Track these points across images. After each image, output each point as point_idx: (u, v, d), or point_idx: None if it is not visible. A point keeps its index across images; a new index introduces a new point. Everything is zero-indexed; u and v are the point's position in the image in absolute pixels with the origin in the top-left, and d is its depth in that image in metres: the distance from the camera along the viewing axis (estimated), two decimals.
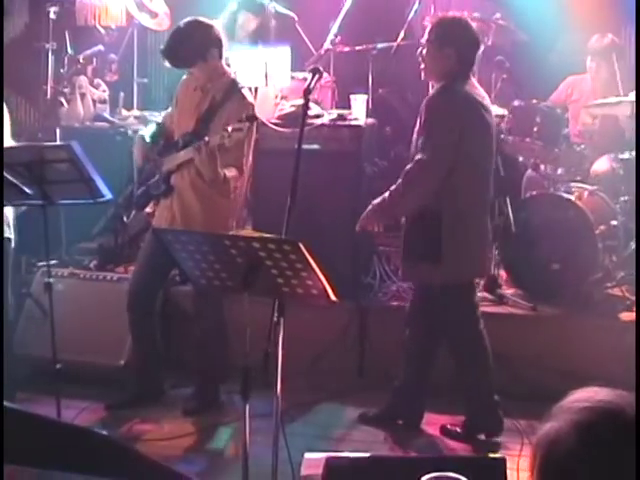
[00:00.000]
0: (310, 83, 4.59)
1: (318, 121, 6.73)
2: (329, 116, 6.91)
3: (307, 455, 3.63)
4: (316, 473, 3.02)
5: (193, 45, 5.82)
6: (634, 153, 6.69)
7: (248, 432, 3.88)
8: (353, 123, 6.86)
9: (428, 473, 2.52)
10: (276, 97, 7.43)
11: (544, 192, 6.97)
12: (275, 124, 6.76)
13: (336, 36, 7.63)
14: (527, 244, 6.67)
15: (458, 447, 5.63)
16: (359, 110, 6.94)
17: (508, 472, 2.94)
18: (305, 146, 4.61)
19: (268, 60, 7.16)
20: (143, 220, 6.66)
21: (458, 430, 5.72)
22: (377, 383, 6.16)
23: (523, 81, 7.50)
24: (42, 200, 5.07)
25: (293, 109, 6.92)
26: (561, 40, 8.27)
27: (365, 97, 7.08)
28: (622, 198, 6.73)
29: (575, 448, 1.73)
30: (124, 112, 8.58)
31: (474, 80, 5.55)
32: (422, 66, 5.54)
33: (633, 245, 6.59)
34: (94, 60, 8.57)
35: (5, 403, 2.29)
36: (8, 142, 5.64)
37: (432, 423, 5.82)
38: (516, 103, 7.05)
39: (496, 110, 7.20)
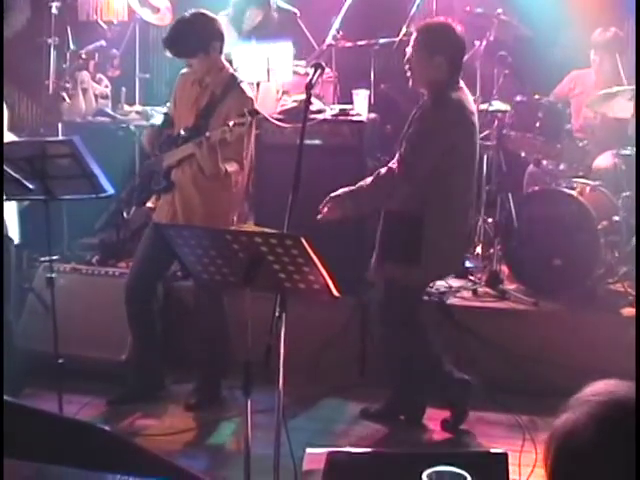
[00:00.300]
0: (312, 78, 4.58)
1: (320, 116, 6.73)
2: (331, 111, 6.90)
3: (309, 450, 3.63)
4: (318, 468, 3.01)
5: (197, 36, 5.80)
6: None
7: (250, 427, 3.89)
8: (355, 118, 6.85)
9: (430, 468, 2.52)
10: (278, 92, 7.43)
11: (546, 187, 6.97)
12: (277, 119, 6.75)
13: (338, 31, 7.62)
14: (529, 239, 6.67)
15: (460, 440, 5.64)
16: (361, 105, 6.93)
17: (510, 467, 2.94)
18: (307, 141, 4.61)
19: (270, 55, 7.16)
20: (145, 215, 6.67)
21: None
22: (379, 378, 6.15)
23: (525, 76, 7.49)
24: (44, 195, 5.07)
25: (295, 104, 6.92)
26: (564, 35, 8.26)
27: (367, 92, 7.07)
28: (624, 194, 6.72)
29: (592, 440, 1.73)
30: (126, 107, 8.58)
31: (463, 86, 5.54)
32: (409, 73, 5.49)
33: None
34: (96, 55, 8.57)
35: (7, 398, 2.30)
36: (7, 136, 5.64)
37: (434, 418, 5.81)
38: (518, 98, 7.05)
39: (498, 105, 7.23)
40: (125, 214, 7.40)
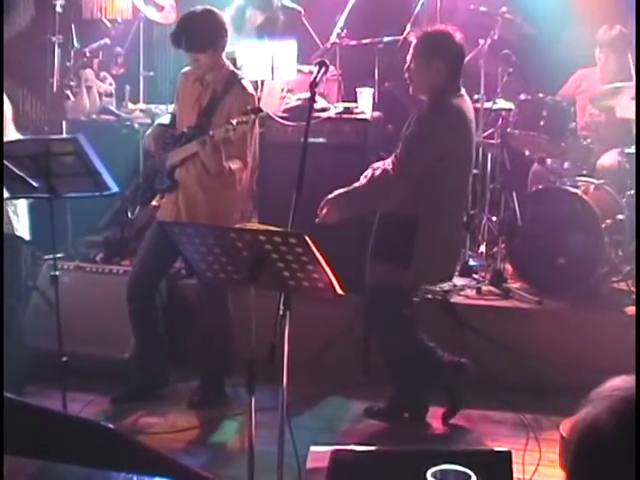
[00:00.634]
0: (316, 76, 4.58)
1: (324, 114, 6.73)
2: (335, 109, 6.90)
3: (313, 448, 3.63)
4: (322, 466, 3.02)
5: (208, 31, 5.79)
6: None
7: (253, 425, 3.89)
8: (359, 116, 6.86)
9: (434, 467, 2.52)
10: (282, 90, 7.43)
11: (550, 186, 6.96)
12: (281, 117, 6.75)
13: (342, 29, 7.61)
14: (533, 238, 6.67)
15: (463, 438, 5.64)
16: (365, 103, 6.93)
17: (514, 466, 2.94)
18: (311, 139, 4.62)
19: (274, 53, 7.16)
20: (149, 213, 6.66)
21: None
22: (382, 376, 6.15)
23: (530, 75, 7.48)
24: (48, 193, 5.08)
25: (299, 102, 6.92)
26: (568, 33, 8.24)
27: (371, 90, 7.07)
28: (628, 192, 6.72)
29: (612, 435, 1.72)
30: (130, 105, 8.59)
31: (464, 94, 5.56)
32: (408, 82, 5.57)
33: None
34: (100, 53, 8.58)
35: (11, 396, 2.30)
36: (11, 132, 5.65)
37: (437, 417, 5.82)
38: (522, 97, 7.05)
39: (502, 104, 7.23)
40: (130, 214, 7.40)
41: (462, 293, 6.72)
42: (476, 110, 6.44)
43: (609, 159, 7.10)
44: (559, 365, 6.00)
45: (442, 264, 5.63)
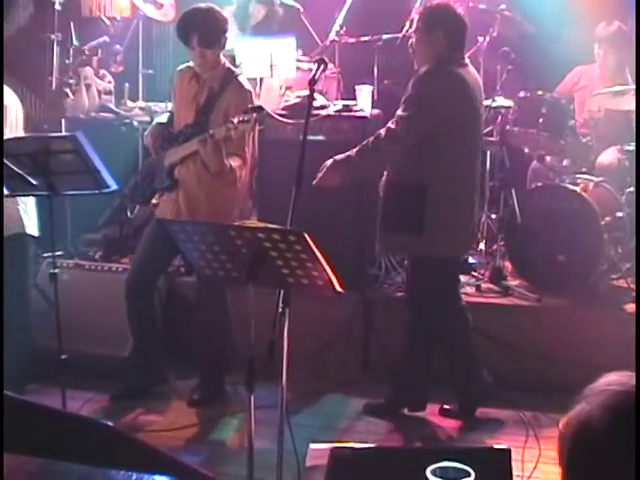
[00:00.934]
0: (315, 74, 4.58)
1: (323, 112, 6.72)
2: (334, 107, 6.90)
3: (312, 446, 3.64)
4: (321, 464, 3.02)
5: (219, 27, 5.81)
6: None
7: (253, 423, 3.89)
8: (358, 114, 6.85)
9: (433, 464, 2.52)
10: (281, 88, 7.43)
11: (549, 183, 6.96)
12: (280, 115, 6.75)
13: (341, 27, 7.60)
14: (532, 235, 6.66)
15: (463, 436, 5.64)
16: (364, 101, 6.93)
17: (513, 463, 2.94)
18: (310, 137, 4.61)
19: (273, 51, 7.15)
20: (148, 211, 6.67)
21: (455, 409, 5.82)
22: (382, 374, 6.15)
23: (529, 72, 7.48)
24: (47, 191, 5.08)
25: (298, 100, 6.92)
26: (567, 31, 8.24)
27: (370, 88, 7.07)
28: (628, 190, 6.72)
29: (606, 430, 1.73)
30: (129, 103, 8.59)
31: (469, 65, 5.57)
32: (412, 56, 5.63)
33: None
34: (99, 51, 8.56)
35: (10, 394, 2.30)
36: (20, 133, 5.66)
37: (436, 414, 5.82)
38: (521, 94, 7.04)
39: (501, 101, 7.22)
40: (129, 212, 7.40)
41: (461, 290, 6.71)
42: None
43: (609, 157, 7.10)
44: (558, 362, 6.01)
45: (456, 232, 5.58)
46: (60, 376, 5.10)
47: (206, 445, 5.60)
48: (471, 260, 7.12)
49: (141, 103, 8.56)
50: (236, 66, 6.77)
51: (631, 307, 6.34)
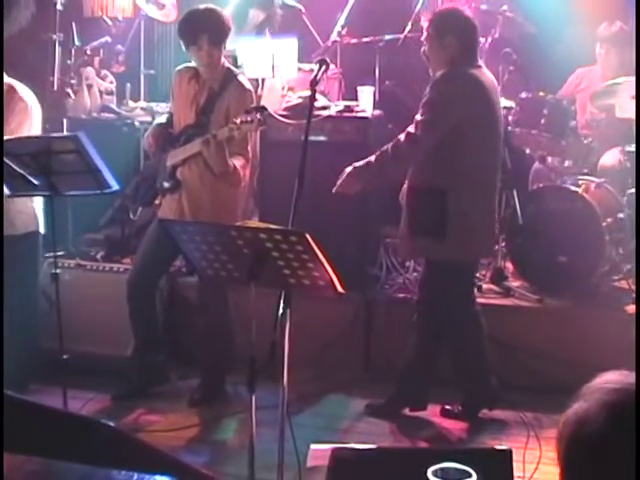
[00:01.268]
0: (317, 74, 4.58)
1: (325, 113, 6.72)
2: (336, 108, 6.90)
3: (313, 446, 3.63)
4: (322, 464, 3.02)
5: (226, 27, 5.84)
6: None
7: (254, 423, 3.89)
8: (360, 115, 6.86)
9: (434, 465, 2.52)
10: (283, 88, 7.43)
11: (551, 184, 6.97)
12: (282, 116, 6.75)
13: (343, 28, 7.62)
14: (534, 236, 6.66)
15: (464, 436, 5.64)
16: (366, 102, 6.93)
17: (514, 464, 2.94)
18: (312, 137, 4.61)
19: (275, 51, 7.15)
20: (150, 212, 6.66)
21: (457, 410, 5.79)
22: (383, 374, 6.16)
23: (530, 73, 7.48)
24: (49, 191, 5.08)
25: (300, 101, 6.92)
26: (568, 32, 8.24)
27: (372, 89, 7.07)
28: (629, 191, 6.71)
29: (603, 428, 1.73)
30: (131, 103, 8.60)
31: (482, 66, 5.59)
32: (427, 63, 5.65)
33: None
34: (101, 51, 8.57)
35: (11, 394, 2.30)
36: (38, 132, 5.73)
37: (438, 415, 5.82)
38: (523, 95, 7.04)
39: (503, 102, 7.19)
40: (131, 214, 7.40)
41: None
42: None
43: (610, 158, 7.09)
44: (559, 363, 6.00)
45: (480, 236, 5.60)
46: (61, 376, 5.10)
47: (207, 445, 5.60)
48: None
49: (143, 103, 8.56)
50: (238, 67, 6.77)
51: (632, 308, 6.33)
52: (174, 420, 5.83)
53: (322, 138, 6.60)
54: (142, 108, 8.42)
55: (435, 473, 2.50)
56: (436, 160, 5.41)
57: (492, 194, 5.65)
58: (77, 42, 8.28)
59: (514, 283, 6.83)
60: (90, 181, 5.10)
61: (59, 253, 5.89)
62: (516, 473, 3.03)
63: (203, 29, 5.73)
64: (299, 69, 7.40)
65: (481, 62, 5.63)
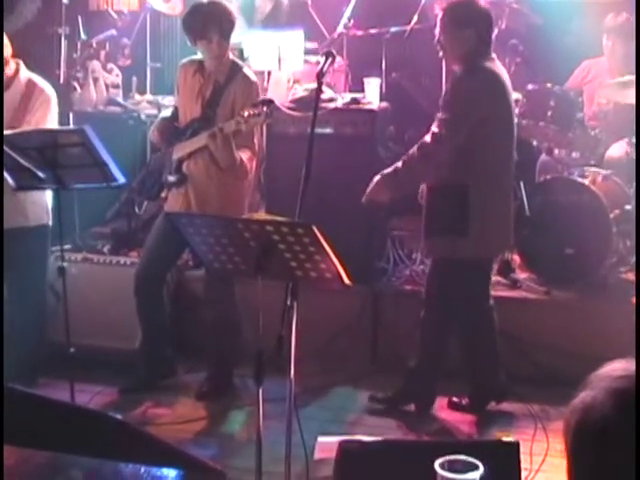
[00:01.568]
0: (323, 67, 4.56)
1: (331, 105, 6.72)
2: (342, 100, 6.89)
3: (320, 439, 3.64)
4: (329, 457, 3.02)
5: (234, 19, 5.86)
6: None
7: (261, 416, 3.88)
8: (366, 107, 6.85)
9: (442, 457, 2.52)
10: (289, 81, 7.42)
11: (558, 176, 6.95)
12: (288, 108, 6.74)
13: (349, 20, 7.60)
14: (541, 228, 6.65)
15: (471, 430, 5.64)
16: (372, 94, 6.92)
17: (521, 456, 2.94)
18: (318, 130, 4.61)
19: (281, 44, 7.14)
20: (157, 205, 6.67)
21: (464, 402, 5.79)
22: (390, 367, 6.15)
23: (537, 65, 7.46)
24: (55, 184, 5.09)
25: (306, 93, 6.92)
26: (575, 23, 8.22)
27: (378, 81, 7.06)
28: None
29: (610, 415, 1.73)
30: (137, 97, 8.59)
31: (495, 59, 5.57)
32: (441, 54, 5.59)
33: None
34: (107, 45, 8.57)
35: (19, 388, 2.30)
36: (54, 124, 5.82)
37: (445, 408, 5.82)
38: (530, 87, 7.02)
39: None
40: (137, 208, 7.41)
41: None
42: None
43: (618, 150, 7.07)
44: (567, 355, 5.99)
45: (500, 232, 5.61)
46: (69, 369, 5.10)
47: (215, 438, 5.61)
48: None
49: (149, 96, 8.56)
50: (244, 59, 6.76)
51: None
52: (182, 413, 5.84)
53: (328, 130, 6.60)
54: (148, 101, 8.42)
55: (442, 465, 2.50)
56: (455, 158, 5.38)
57: (509, 188, 5.66)
58: (83, 36, 8.28)
59: (521, 275, 6.82)
60: (96, 174, 5.10)
61: (66, 247, 5.90)
62: (523, 465, 3.03)
63: (213, 22, 5.71)
64: (305, 61, 7.39)
65: (494, 54, 5.60)
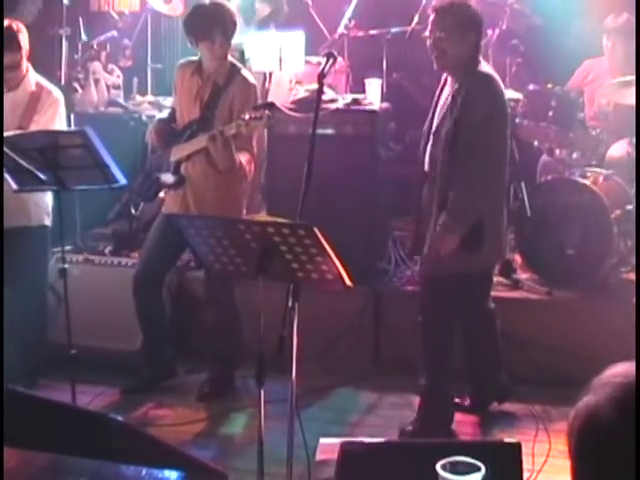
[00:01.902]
0: (324, 68, 4.56)
1: (332, 106, 6.71)
2: (343, 100, 6.88)
3: (322, 440, 3.64)
4: (331, 458, 3.02)
5: (235, 20, 5.86)
6: None
7: (263, 417, 3.89)
8: (367, 107, 6.84)
9: (443, 458, 2.52)
10: (290, 82, 7.42)
11: (559, 177, 6.95)
12: (289, 109, 6.74)
13: (350, 20, 7.61)
14: (542, 229, 6.65)
15: (473, 431, 5.64)
16: (373, 94, 6.92)
17: (523, 457, 2.94)
18: (319, 131, 4.60)
19: (282, 45, 7.15)
20: (157, 205, 6.67)
21: (466, 403, 5.78)
22: (392, 368, 6.15)
23: (538, 65, 7.47)
24: (56, 186, 5.10)
25: (307, 94, 6.91)
26: (576, 24, 8.23)
27: (379, 81, 7.06)
28: None
29: (613, 421, 1.73)
30: (138, 98, 8.60)
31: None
32: (434, 56, 5.27)
33: None
34: (108, 46, 8.58)
35: (21, 389, 2.30)
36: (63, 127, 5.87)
37: None
38: (531, 87, 7.02)
39: (511, 94, 7.19)
40: (133, 210, 7.40)
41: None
42: None
43: (618, 150, 7.07)
44: (568, 356, 5.99)
45: (504, 237, 5.56)
46: (70, 371, 5.10)
47: (216, 439, 5.61)
48: None
49: (150, 97, 8.57)
50: (245, 60, 6.76)
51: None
52: (183, 414, 5.84)
53: (330, 131, 6.59)
54: (149, 102, 8.43)
55: (444, 467, 2.50)
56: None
57: (505, 196, 5.57)
58: (84, 37, 8.29)
59: (522, 275, 6.82)
60: (97, 176, 5.11)
61: (67, 248, 5.90)
62: (525, 466, 3.03)
63: (217, 23, 5.71)
64: (306, 62, 7.39)
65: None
